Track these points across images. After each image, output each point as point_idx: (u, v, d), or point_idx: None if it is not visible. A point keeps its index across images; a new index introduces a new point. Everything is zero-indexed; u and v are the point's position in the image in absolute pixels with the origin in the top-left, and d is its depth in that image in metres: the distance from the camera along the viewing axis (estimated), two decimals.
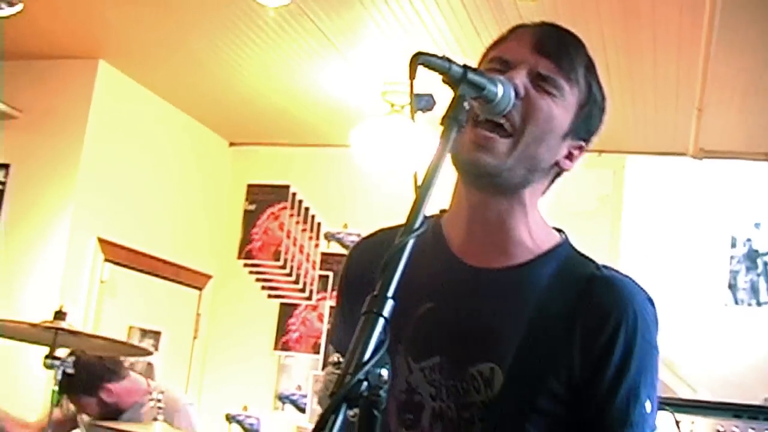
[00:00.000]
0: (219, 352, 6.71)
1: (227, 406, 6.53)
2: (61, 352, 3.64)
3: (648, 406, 1.43)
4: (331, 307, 6.26)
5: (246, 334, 6.68)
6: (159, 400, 3.62)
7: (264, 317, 6.67)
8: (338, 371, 1.04)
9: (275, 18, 4.67)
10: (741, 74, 4.75)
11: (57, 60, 5.50)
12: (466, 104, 1.29)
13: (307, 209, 6.79)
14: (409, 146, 5.34)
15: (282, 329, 6.63)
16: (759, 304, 6.31)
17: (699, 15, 4.13)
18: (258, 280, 6.79)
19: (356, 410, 1.02)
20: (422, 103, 1.29)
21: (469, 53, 4.79)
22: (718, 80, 4.81)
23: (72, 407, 3.94)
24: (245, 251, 6.86)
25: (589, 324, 1.42)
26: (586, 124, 1.54)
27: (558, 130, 1.49)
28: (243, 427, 6.53)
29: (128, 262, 5.83)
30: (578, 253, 1.56)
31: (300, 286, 6.69)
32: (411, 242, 1.14)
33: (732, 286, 6.29)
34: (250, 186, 6.93)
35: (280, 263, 6.75)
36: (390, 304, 1.08)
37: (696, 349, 6.14)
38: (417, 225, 1.15)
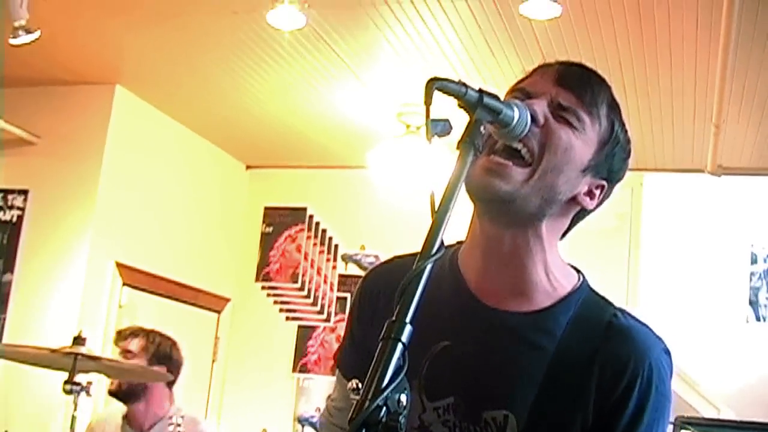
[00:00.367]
0: (238, 375, 6.70)
1: (247, 429, 6.51)
2: (81, 378, 3.64)
3: None
4: None
5: (265, 357, 6.67)
6: (179, 425, 3.61)
7: (282, 340, 6.67)
8: (357, 396, 1.04)
9: (291, 41, 4.69)
10: (758, 90, 4.74)
11: (74, 86, 5.54)
12: (482, 129, 1.28)
13: (324, 231, 6.79)
14: (425, 167, 5.34)
15: (300, 351, 6.62)
16: None
17: (715, 31, 4.12)
18: (276, 302, 6.79)
19: None
20: (438, 128, 1.28)
21: (484, 74, 4.80)
22: (735, 96, 4.80)
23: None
24: (263, 274, 6.86)
25: (605, 376, 1.41)
26: (608, 162, 1.51)
27: (577, 163, 1.46)
28: None
29: (146, 286, 5.84)
30: (596, 294, 1.54)
31: (318, 308, 6.68)
32: (429, 267, 1.13)
33: (753, 303, 6.27)
34: (267, 209, 6.94)
35: (298, 285, 6.75)
36: (408, 329, 1.08)
37: (718, 366, 6.10)
38: (434, 250, 1.15)
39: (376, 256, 6.55)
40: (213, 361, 6.64)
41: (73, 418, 3.60)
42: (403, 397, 1.05)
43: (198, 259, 6.42)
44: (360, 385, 1.08)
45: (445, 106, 1.35)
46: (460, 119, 1.31)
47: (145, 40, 4.86)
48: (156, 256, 5.93)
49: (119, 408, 3.89)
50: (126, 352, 3.88)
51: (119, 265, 5.56)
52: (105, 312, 5.45)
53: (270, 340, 6.70)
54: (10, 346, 4.31)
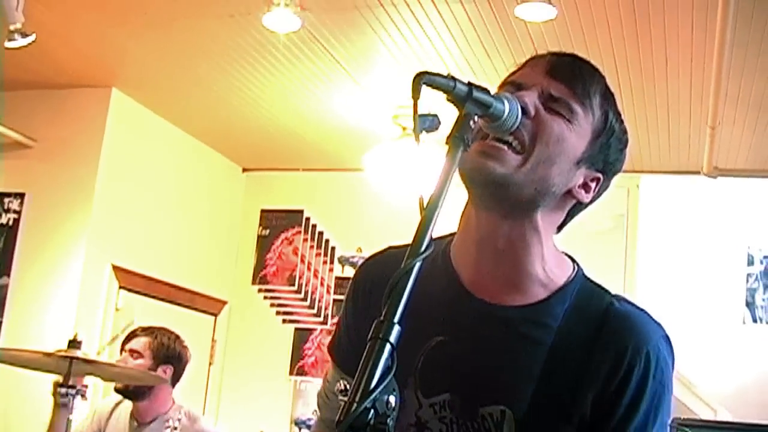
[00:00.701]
0: (235, 378, 6.70)
1: (244, 431, 6.52)
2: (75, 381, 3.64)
3: None
4: None
5: (261, 360, 6.67)
6: (176, 427, 3.61)
7: (279, 342, 6.67)
8: (344, 398, 1.03)
9: (286, 44, 4.69)
10: (753, 92, 4.75)
11: (70, 89, 5.54)
12: (472, 123, 1.26)
13: (320, 234, 6.79)
14: (422, 169, 5.34)
15: (297, 354, 6.62)
16: None
17: (710, 34, 4.13)
18: (273, 305, 6.79)
19: None
20: (427, 123, 1.27)
21: (480, 76, 4.81)
22: (731, 98, 4.80)
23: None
24: (259, 277, 6.86)
25: (603, 365, 1.39)
26: (602, 154, 1.47)
27: (570, 154, 1.43)
28: None
29: (143, 289, 5.84)
30: (591, 282, 1.51)
31: (315, 310, 6.68)
32: (417, 266, 1.11)
33: (749, 304, 6.27)
34: (263, 211, 6.94)
35: (295, 288, 6.75)
36: (396, 329, 1.06)
37: (714, 368, 6.11)
38: (423, 248, 1.13)
39: None
40: (210, 364, 6.64)
41: (68, 421, 3.59)
42: (392, 399, 1.03)
43: (194, 262, 6.41)
44: (348, 386, 1.08)
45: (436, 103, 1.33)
46: (449, 114, 1.29)
47: (142, 43, 4.86)
48: (152, 259, 5.92)
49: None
50: (131, 352, 3.90)
51: (116, 268, 5.56)
52: (101, 315, 5.45)
53: (267, 343, 6.70)
54: (6, 350, 4.30)
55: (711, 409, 5.89)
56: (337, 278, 6.69)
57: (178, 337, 4.05)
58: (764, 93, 4.75)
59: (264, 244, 6.90)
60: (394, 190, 5.72)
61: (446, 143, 1.24)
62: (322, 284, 6.71)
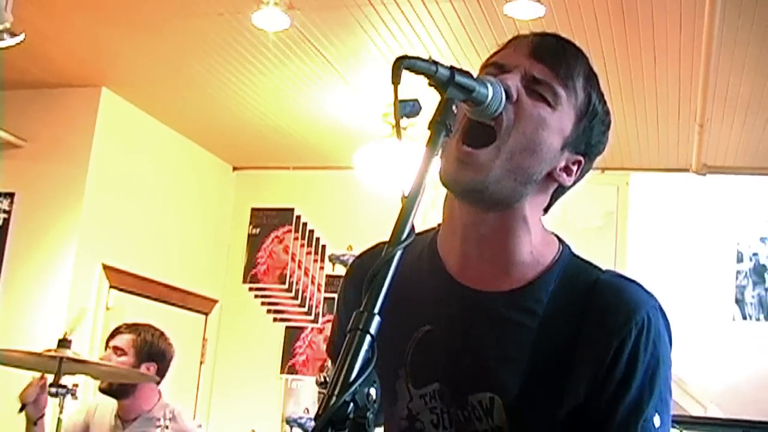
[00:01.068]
0: (226, 376, 6.70)
1: (235, 430, 6.51)
2: (67, 380, 3.63)
3: (656, 420, 1.35)
4: None
5: (252, 359, 6.67)
6: (167, 427, 3.61)
7: (270, 341, 6.67)
8: (324, 390, 1.01)
9: (276, 43, 4.69)
10: (741, 89, 4.76)
11: (60, 88, 5.53)
12: (454, 108, 1.23)
13: (311, 232, 6.79)
14: (412, 167, 5.34)
15: (288, 353, 6.62)
16: (767, 318, 6.30)
17: (698, 32, 4.15)
18: (264, 303, 6.79)
19: None
20: (407, 108, 1.24)
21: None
22: (719, 96, 4.82)
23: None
24: (250, 275, 6.86)
25: (592, 343, 1.35)
26: (585, 136, 1.43)
27: (552, 141, 1.39)
28: None
29: (133, 288, 5.83)
30: (579, 259, 1.48)
31: (306, 309, 6.68)
32: (398, 255, 1.08)
33: (739, 301, 6.29)
34: (254, 210, 6.94)
35: (286, 287, 6.75)
36: (376, 320, 1.03)
37: (704, 365, 6.12)
38: (404, 236, 1.10)
39: None
40: (201, 362, 6.64)
41: (59, 420, 3.59)
42: (373, 391, 1.00)
43: (185, 261, 6.41)
44: (327, 378, 1.06)
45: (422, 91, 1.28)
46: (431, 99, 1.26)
47: (131, 42, 4.86)
48: (143, 258, 5.92)
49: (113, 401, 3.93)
50: (115, 349, 3.88)
51: (106, 268, 5.56)
52: (92, 314, 5.44)
53: (258, 341, 6.70)
54: None
55: (701, 406, 5.91)
56: (328, 276, 6.69)
57: (162, 333, 4.04)
58: (752, 90, 4.77)
59: (255, 243, 6.90)
60: (384, 188, 5.72)
61: (428, 128, 1.21)
62: (312, 282, 6.71)
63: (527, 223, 1.43)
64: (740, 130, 5.32)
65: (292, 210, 6.85)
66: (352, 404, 0.99)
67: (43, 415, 3.63)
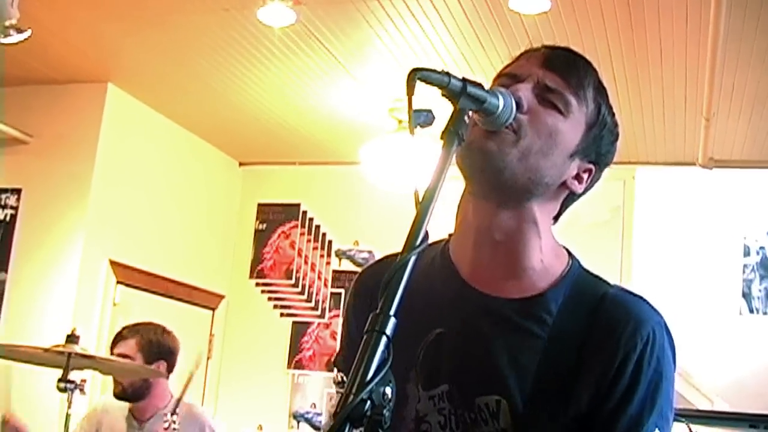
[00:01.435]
0: (233, 372, 6.71)
1: (242, 425, 6.52)
2: (75, 376, 3.64)
3: None
4: None
5: (259, 354, 6.68)
6: (174, 421, 3.62)
7: (277, 336, 6.68)
8: (342, 390, 1.04)
9: (282, 38, 4.70)
10: (748, 83, 4.75)
11: (66, 84, 5.54)
12: (466, 118, 1.27)
13: (318, 227, 6.80)
14: (418, 162, 5.34)
15: (295, 348, 6.63)
16: None
17: (705, 25, 4.14)
18: (270, 299, 6.80)
19: (361, 430, 1.02)
20: (421, 118, 1.27)
21: (475, 68, 4.81)
22: (725, 89, 4.81)
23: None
24: (257, 270, 6.87)
25: (599, 355, 1.38)
26: (595, 145, 1.49)
27: (564, 147, 1.45)
28: None
29: (140, 283, 5.84)
30: (587, 272, 1.52)
31: (312, 304, 6.69)
32: (413, 259, 1.12)
33: (746, 295, 6.27)
34: (260, 205, 6.95)
35: (292, 282, 6.76)
36: (392, 322, 1.07)
37: (711, 358, 6.11)
38: (418, 242, 1.13)
39: (370, 252, 6.57)
40: (208, 358, 6.64)
41: (68, 416, 3.60)
42: (388, 390, 1.04)
43: (192, 257, 6.42)
44: (345, 378, 1.08)
45: (431, 98, 1.34)
46: (444, 109, 1.30)
47: (137, 38, 4.86)
48: (149, 253, 5.93)
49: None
50: (122, 357, 3.86)
51: (113, 263, 5.57)
52: (99, 310, 5.45)
53: (264, 336, 6.71)
54: (4, 345, 4.30)
55: (708, 400, 5.91)
56: (334, 272, 6.70)
57: (164, 329, 4.03)
58: (759, 84, 4.76)
59: (261, 238, 6.91)
60: (390, 183, 5.73)
61: (441, 138, 1.25)
62: (319, 278, 6.72)
63: (537, 227, 1.47)
64: (747, 124, 5.31)
65: (298, 205, 6.86)
66: (369, 402, 1.02)
67: None
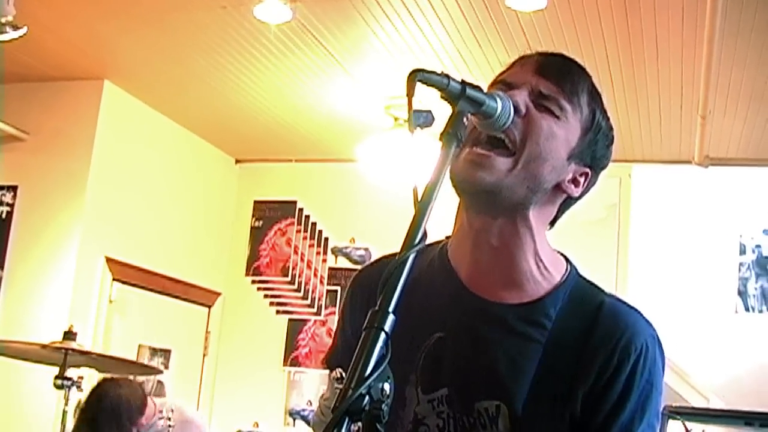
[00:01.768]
0: (229, 369, 6.71)
1: (238, 423, 6.52)
2: (72, 372, 3.64)
3: None
4: None
5: (255, 351, 6.68)
6: (169, 418, 3.62)
7: (273, 333, 6.68)
8: (341, 385, 1.04)
9: (278, 35, 4.69)
10: (744, 81, 4.76)
11: (63, 81, 5.53)
12: (465, 120, 1.29)
13: (314, 224, 6.80)
14: (414, 159, 5.35)
15: (291, 345, 6.63)
16: None
17: (700, 23, 4.14)
18: (266, 296, 6.80)
19: (359, 424, 1.03)
20: (421, 119, 1.28)
21: (471, 67, 4.81)
22: (721, 87, 4.82)
23: None
24: (253, 268, 6.87)
25: (594, 362, 1.41)
26: (591, 149, 1.51)
27: (561, 150, 1.46)
28: None
29: (137, 281, 5.84)
30: (585, 281, 1.54)
31: (308, 301, 6.69)
32: (412, 257, 1.13)
33: (742, 293, 6.28)
34: (256, 202, 6.95)
35: (288, 279, 6.76)
36: (391, 318, 1.08)
37: (707, 356, 6.12)
38: (417, 240, 1.15)
39: (366, 249, 6.57)
40: (204, 355, 6.65)
41: (64, 412, 3.61)
42: (387, 386, 1.05)
43: (188, 254, 6.42)
44: (344, 374, 1.09)
45: (429, 100, 1.35)
46: (443, 111, 1.31)
47: (134, 35, 4.86)
48: (146, 251, 5.93)
49: None
50: None
51: (109, 260, 5.57)
52: (95, 307, 5.45)
53: (261, 333, 6.71)
54: (1, 342, 4.30)
55: (703, 398, 5.91)
56: (330, 269, 6.70)
57: (124, 402, 3.69)
58: (755, 82, 4.77)
59: (257, 236, 6.91)
60: (386, 181, 5.73)
61: (439, 140, 1.26)
62: (315, 275, 6.72)
63: (533, 233, 1.48)
64: (743, 122, 5.32)
65: (294, 202, 6.86)
66: (367, 397, 1.03)
67: None
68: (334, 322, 6.53)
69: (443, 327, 1.50)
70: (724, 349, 6.19)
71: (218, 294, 6.79)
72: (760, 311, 6.24)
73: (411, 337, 1.46)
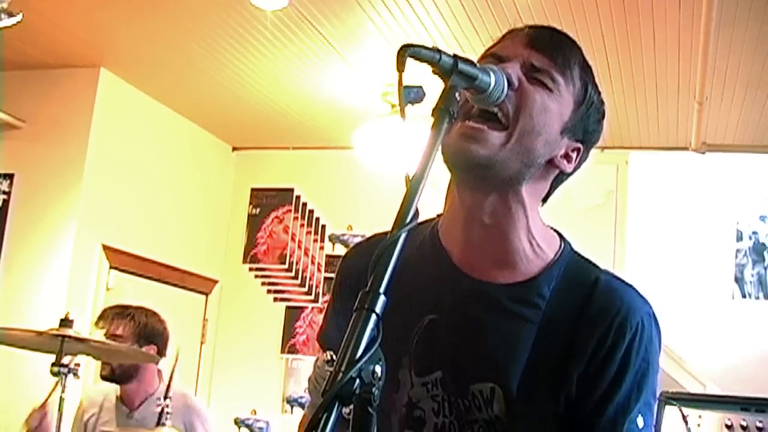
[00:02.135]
0: (227, 356, 6.72)
1: (236, 410, 6.54)
2: (68, 360, 3.63)
3: (640, 422, 1.39)
4: None
5: (253, 338, 6.69)
6: (167, 405, 3.61)
7: (270, 321, 6.68)
8: (331, 368, 1.03)
9: (274, 22, 4.68)
10: (740, 67, 4.75)
11: (59, 69, 5.51)
12: (457, 95, 1.25)
13: (311, 212, 6.80)
14: (411, 146, 5.34)
15: (289, 332, 6.64)
16: (766, 296, 6.31)
17: (697, 9, 4.13)
18: (264, 283, 6.80)
19: (350, 407, 1.02)
20: (412, 95, 1.25)
21: (468, 52, 4.78)
22: (718, 74, 4.81)
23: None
24: (250, 255, 6.87)
25: (589, 341, 1.39)
26: (583, 123, 1.48)
27: (554, 124, 1.44)
28: (252, 431, 6.53)
29: (134, 268, 5.84)
30: (579, 256, 1.52)
31: (306, 288, 6.69)
32: (403, 236, 1.11)
33: (738, 280, 6.30)
34: (254, 190, 6.94)
35: (286, 266, 6.76)
36: (382, 299, 1.05)
37: (703, 342, 6.14)
38: (408, 219, 1.12)
39: (364, 236, 6.52)
40: (201, 343, 6.65)
41: (61, 399, 3.60)
42: (378, 369, 1.03)
43: (185, 242, 6.42)
44: (334, 357, 1.07)
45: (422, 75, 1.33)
46: (435, 86, 1.28)
47: (129, 22, 4.84)
48: (143, 238, 5.93)
49: (113, 387, 3.91)
50: (114, 337, 3.84)
51: (106, 248, 5.56)
52: (92, 295, 5.45)
53: (258, 321, 6.72)
54: None
55: (700, 384, 5.93)
56: (327, 256, 6.70)
57: (155, 313, 4.01)
58: (752, 68, 4.76)
59: (254, 223, 6.90)
60: (383, 168, 5.72)
61: (432, 116, 1.23)
62: (312, 262, 6.72)
63: (525, 209, 1.46)
64: (739, 108, 5.31)
65: (291, 190, 6.85)
66: (358, 380, 1.01)
67: None
68: None
69: (436, 309, 1.48)
70: (721, 335, 6.21)
71: (215, 281, 6.79)
72: (757, 298, 6.26)
73: (403, 319, 1.44)
